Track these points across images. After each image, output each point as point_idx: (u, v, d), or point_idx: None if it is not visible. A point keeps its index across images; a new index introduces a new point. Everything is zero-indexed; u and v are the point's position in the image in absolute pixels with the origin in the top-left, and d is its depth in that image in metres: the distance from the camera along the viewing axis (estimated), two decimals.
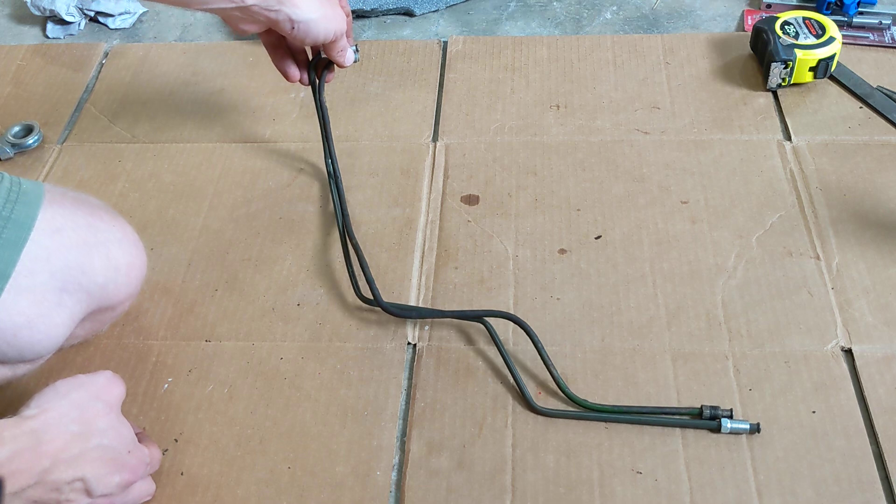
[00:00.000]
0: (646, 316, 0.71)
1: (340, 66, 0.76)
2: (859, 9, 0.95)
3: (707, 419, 0.63)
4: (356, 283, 0.74)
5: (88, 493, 0.53)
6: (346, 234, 0.78)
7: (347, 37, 0.75)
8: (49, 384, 0.56)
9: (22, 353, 0.59)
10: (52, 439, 0.52)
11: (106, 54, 1.01)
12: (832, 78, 0.90)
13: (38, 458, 0.51)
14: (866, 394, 0.65)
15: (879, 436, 0.63)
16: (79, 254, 0.60)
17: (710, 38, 0.96)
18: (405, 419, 0.66)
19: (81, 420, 0.54)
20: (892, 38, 0.94)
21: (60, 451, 0.52)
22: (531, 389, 0.67)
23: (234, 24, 0.70)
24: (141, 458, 0.58)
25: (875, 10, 0.96)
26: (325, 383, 0.69)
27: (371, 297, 0.72)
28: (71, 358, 0.71)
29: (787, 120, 0.86)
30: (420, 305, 0.73)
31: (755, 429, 0.63)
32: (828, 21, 0.89)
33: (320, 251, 0.78)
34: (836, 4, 0.95)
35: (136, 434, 0.61)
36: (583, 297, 0.73)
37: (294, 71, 0.78)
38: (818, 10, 0.95)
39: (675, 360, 0.68)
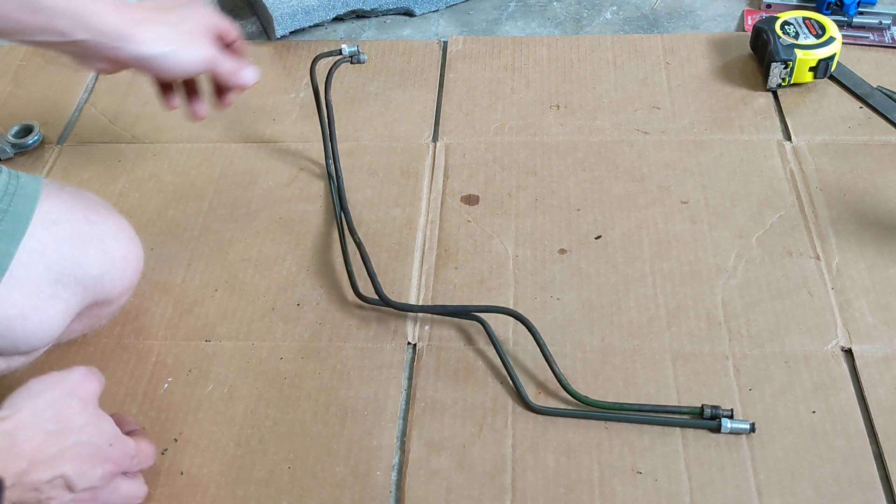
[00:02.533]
0: (646, 316, 0.71)
1: (240, 88, 0.70)
2: (859, 9, 0.95)
3: (707, 419, 0.63)
4: (355, 282, 0.74)
5: (70, 488, 0.53)
6: (344, 232, 0.78)
7: (235, 56, 0.69)
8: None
9: (16, 344, 0.59)
10: (28, 439, 0.51)
11: None
12: (832, 78, 0.90)
13: (14, 459, 0.50)
14: (866, 394, 0.65)
15: (879, 436, 0.63)
16: (74, 246, 0.60)
17: (710, 38, 0.96)
18: (405, 419, 0.66)
19: (57, 418, 0.53)
20: (892, 38, 0.94)
21: (37, 451, 0.51)
22: (531, 389, 0.67)
23: (85, 64, 0.64)
24: (124, 450, 0.57)
25: (875, 10, 0.96)
26: (325, 383, 0.69)
27: (370, 297, 0.72)
28: (70, 357, 0.71)
29: (787, 120, 0.86)
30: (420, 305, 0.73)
31: (754, 429, 0.63)
32: (828, 21, 0.89)
33: (320, 251, 0.78)
34: (836, 4, 0.95)
35: (132, 430, 0.60)
36: (583, 297, 0.73)
37: (173, 99, 0.72)
38: (818, 10, 0.95)
39: (675, 360, 0.68)
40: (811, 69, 0.87)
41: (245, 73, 0.69)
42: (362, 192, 0.82)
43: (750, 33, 0.93)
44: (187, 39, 0.64)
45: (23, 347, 0.60)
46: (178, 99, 0.72)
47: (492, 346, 0.69)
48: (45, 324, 0.59)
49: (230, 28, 0.70)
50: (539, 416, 0.65)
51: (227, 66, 0.68)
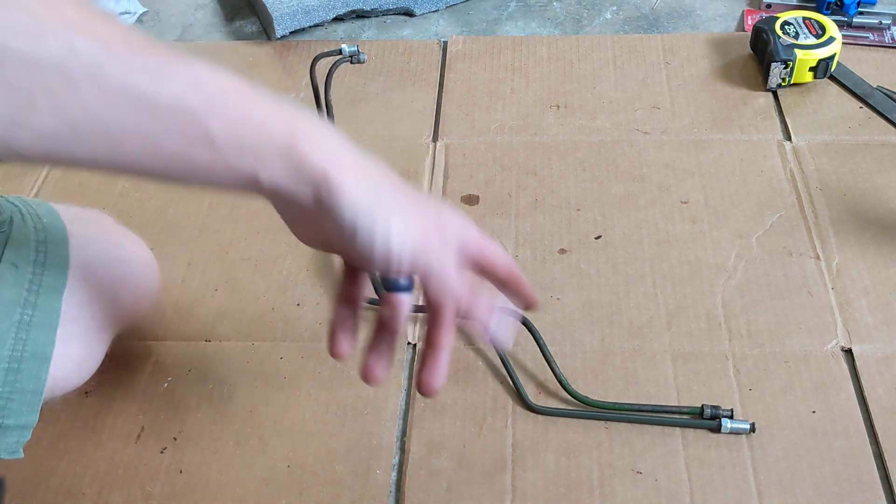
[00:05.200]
0: (646, 316, 0.71)
1: (493, 343, 0.49)
2: (859, 9, 0.95)
3: (707, 419, 0.63)
4: None
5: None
6: None
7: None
8: None
9: (65, 391, 0.59)
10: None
11: None
12: (832, 78, 0.90)
13: None
14: (866, 394, 0.65)
15: (879, 436, 0.63)
16: (114, 293, 0.61)
17: (710, 38, 0.96)
18: (405, 419, 0.66)
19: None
20: (892, 38, 0.94)
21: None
22: (531, 389, 0.67)
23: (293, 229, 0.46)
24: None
25: (875, 10, 0.96)
26: (324, 383, 0.68)
27: (370, 297, 0.72)
28: None
29: (787, 120, 0.86)
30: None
31: (754, 429, 0.63)
32: (828, 21, 0.89)
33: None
34: (836, 4, 0.95)
35: None
36: (583, 297, 0.73)
37: (343, 343, 0.48)
38: (818, 10, 0.95)
39: (675, 360, 0.68)
40: (811, 69, 0.87)
41: (498, 333, 0.46)
42: None
43: (750, 33, 0.93)
44: (417, 218, 0.44)
45: (67, 391, 0.61)
46: (349, 343, 0.48)
47: (492, 346, 0.69)
48: (93, 368, 0.61)
49: (502, 257, 0.48)
50: (539, 416, 0.65)
51: (474, 303, 0.46)
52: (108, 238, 0.64)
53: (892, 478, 0.60)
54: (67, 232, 0.59)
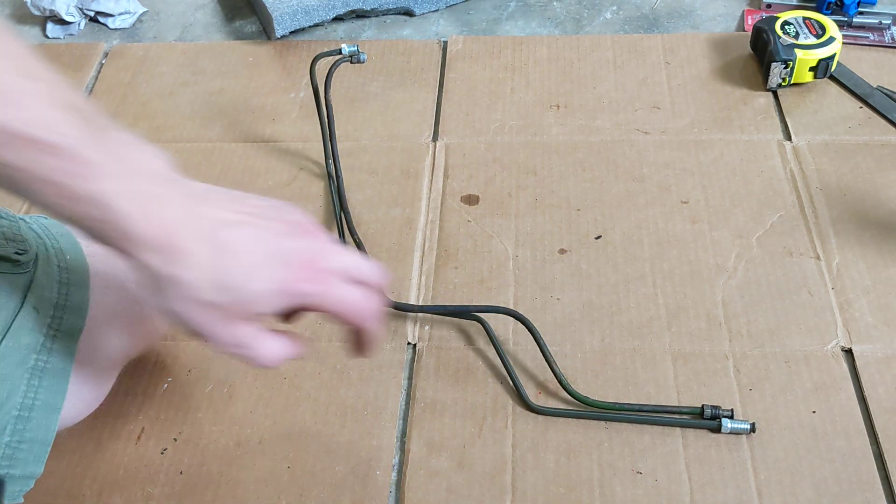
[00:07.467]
0: (646, 316, 0.71)
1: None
2: (859, 9, 0.95)
3: (708, 419, 0.63)
4: None
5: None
6: (344, 232, 0.78)
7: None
8: None
9: (68, 426, 0.59)
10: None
11: (106, 54, 1.01)
12: (832, 78, 0.90)
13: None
14: (866, 394, 0.65)
15: (879, 436, 0.63)
16: (129, 333, 0.60)
17: (710, 38, 0.96)
18: (405, 419, 0.66)
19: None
20: (892, 38, 0.94)
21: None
22: (531, 389, 0.67)
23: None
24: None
25: (875, 10, 0.96)
26: (324, 383, 0.68)
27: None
28: None
29: (787, 120, 0.86)
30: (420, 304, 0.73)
31: (754, 429, 0.63)
32: (828, 21, 0.89)
33: None
34: (836, 4, 0.95)
35: None
36: (583, 297, 0.73)
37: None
38: (818, 10, 0.95)
39: (675, 361, 0.68)
40: (811, 69, 0.87)
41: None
42: (362, 192, 0.82)
43: (750, 33, 0.93)
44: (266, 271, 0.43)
45: (70, 426, 0.61)
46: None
47: (492, 346, 0.69)
48: (99, 403, 0.60)
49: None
50: (539, 416, 0.65)
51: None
52: (130, 275, 0.63)
53: (892, 478, 0.60)
54: (90, 270, 0.57)
